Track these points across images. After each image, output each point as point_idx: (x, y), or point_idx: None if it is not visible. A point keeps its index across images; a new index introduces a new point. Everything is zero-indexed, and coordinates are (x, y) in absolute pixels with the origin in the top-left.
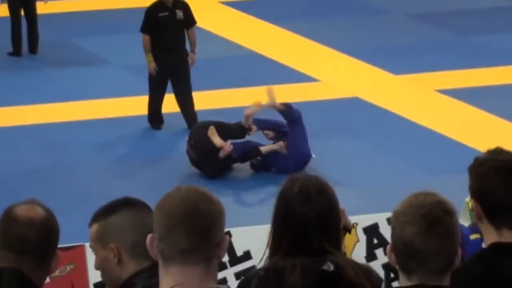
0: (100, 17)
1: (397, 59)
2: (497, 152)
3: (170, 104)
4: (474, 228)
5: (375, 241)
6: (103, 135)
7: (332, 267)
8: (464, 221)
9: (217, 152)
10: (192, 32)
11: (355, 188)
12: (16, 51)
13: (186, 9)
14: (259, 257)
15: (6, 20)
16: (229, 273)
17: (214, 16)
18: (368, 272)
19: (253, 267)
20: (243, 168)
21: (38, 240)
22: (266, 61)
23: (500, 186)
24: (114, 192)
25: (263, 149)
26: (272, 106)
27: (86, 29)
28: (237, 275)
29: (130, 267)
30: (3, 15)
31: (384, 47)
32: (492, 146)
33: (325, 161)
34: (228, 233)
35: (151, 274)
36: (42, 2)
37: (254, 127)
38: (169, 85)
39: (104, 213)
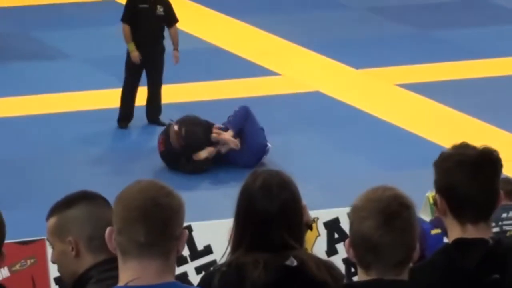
0: (60, 11)
1: (357, 54)
2: (463, 147)
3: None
4: (435, 223)
5: (336, 235)
6: (65, 128)
7: (295, 263)
8: (425, 216)
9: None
10: (174, 30)
11: (316, 183)
12: None
13: (168, 6)
14: (220, 252)
15: None
16: (189, 268)
17: (174, 10)
18: (331, 268)
19: (214, 261)
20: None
21: None
22: (226, 54)
23: (465, 180)
24: (77, 186)
25: (222, 149)
26: (228, 144)
27: (45, 23)
28: (198, 270)
29: (87, 261)
30: None
31: (345, 41)
32: (451, 140)
33: (286, 155)
34: (189, 227)
35: (107, 267)
36: None
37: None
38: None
39: (62, 206)
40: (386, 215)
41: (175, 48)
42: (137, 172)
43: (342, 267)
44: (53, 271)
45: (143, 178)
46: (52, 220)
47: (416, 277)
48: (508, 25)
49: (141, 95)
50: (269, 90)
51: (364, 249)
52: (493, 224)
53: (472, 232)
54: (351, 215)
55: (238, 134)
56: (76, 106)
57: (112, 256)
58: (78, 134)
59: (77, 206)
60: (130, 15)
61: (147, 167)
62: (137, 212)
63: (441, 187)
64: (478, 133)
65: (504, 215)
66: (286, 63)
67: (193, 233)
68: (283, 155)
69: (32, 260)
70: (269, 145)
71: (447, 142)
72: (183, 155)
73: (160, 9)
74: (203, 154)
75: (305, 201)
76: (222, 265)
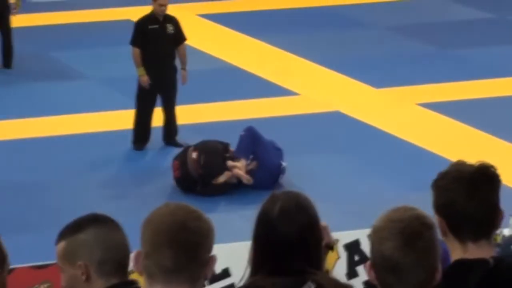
0: (77, 31)
1: (377, 73)
2: (459, 164)
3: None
4: None
5: (356, 258)
6: (82, 150)
7: (312, 287)
8: None
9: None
10: (182, 49)
11: (336, 204)
12: None
13: (177, 25)
14: (238, 275)
15: None
16: None
17: (191, 29)
18: None
19: (232, 285)
20: None
21: None
22: (244, 74)
23: (462, 197)
24: (92, 208)
25: (239, 173)
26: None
27: (63, 43)
28: None
29: (98, 285)
30: None
31: (364, 60)
32: (474, 160)
33: (306, 176)
34: None
35: None
36: (16, 15)
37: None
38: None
39: (71, 230)
40: (407, 235)
41: (183, 68)
42: (153, 194)
43: None
44: None
45: (172, 201)
46: (61, 244)
47: None
48: None
49: (157, 116)
50: (288, 110)
51: (385, 270)
52: None
53: (473, 251)
54: (372, 236)
55: (251, 158)
56: (92, 127)
57: (123, 280)
58: (93, 156)
59: (86, 229)
60: (140, 38)
61: (163, 189)
62: (165, 236)
63: (439, 206)
64: (502, 153)
65: None
66: (305, 83)
67: None
68: (302, 176)
69: (47, 285)
70: (284, 163)
71: (467, 161)
72: (200, 182)
73: (170, 28)
74: (222, 178)
75: (325, 222)
76: None
